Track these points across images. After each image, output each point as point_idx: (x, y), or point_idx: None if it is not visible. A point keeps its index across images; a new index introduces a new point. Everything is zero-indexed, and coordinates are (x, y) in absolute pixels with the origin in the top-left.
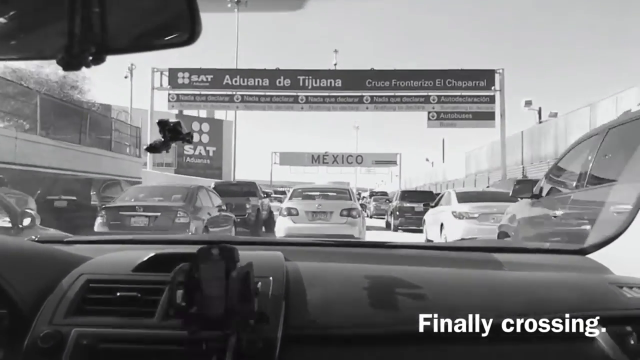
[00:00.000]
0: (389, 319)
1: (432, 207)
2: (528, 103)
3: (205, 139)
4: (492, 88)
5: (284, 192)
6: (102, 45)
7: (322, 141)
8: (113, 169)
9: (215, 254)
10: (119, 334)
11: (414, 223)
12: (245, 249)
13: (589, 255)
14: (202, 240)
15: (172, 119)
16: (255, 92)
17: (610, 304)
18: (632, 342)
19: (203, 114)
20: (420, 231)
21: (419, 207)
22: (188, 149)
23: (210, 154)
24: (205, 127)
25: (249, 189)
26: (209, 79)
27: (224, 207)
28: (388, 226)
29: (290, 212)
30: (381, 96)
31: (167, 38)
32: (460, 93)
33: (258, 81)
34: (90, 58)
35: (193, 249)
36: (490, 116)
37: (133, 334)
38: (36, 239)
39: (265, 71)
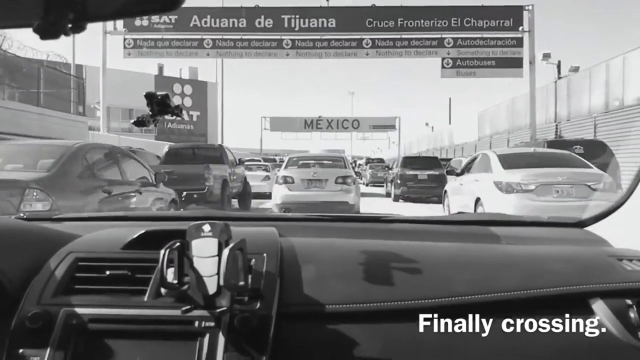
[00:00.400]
0: (385, 295)
1: (458, 174)
2: (546, 56)
3: (188, 102)
4: (520, 29)
5: (273, 160)
6: (80, 12)
7: (315, 107)
8: (41, 129)
9: (207, 230)
10: (109, 313)
11: (417, 192)
12: (238, 225)
13: (587, 228)
14: (195, 217)
15: (151, 90)
16: (230, 35)
17: (609, 277)
18: (632, 315)
19: (185, 74)
20: (424, 201)
21: (422, 175)
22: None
23: (194, 118)
24: (188, 89)
25: (212, 154)
26: (173, 20)
27: (152, 180)
28: (388, 195)
29: (286, 180)
30: (385, 39)
31: (148, 3)
32: (481, 35)
33: (233, 22)
34: (70, 25)
35: (185, 225)
36: (517, 63)
37: (123, 313)
38: (24, 217)
39: (241, 9)
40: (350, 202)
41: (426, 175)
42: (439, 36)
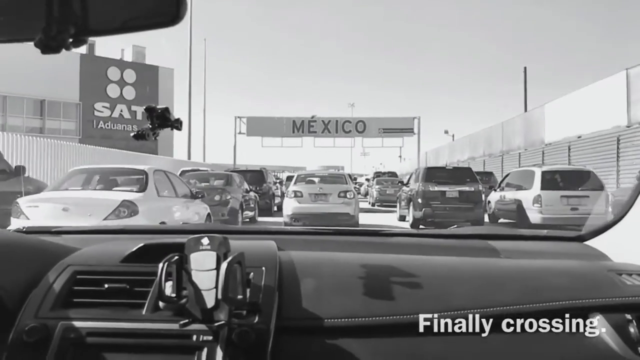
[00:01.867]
0: (384, 309)
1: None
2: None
3: (129, 93)
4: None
5: (260, 173)
6: (81, 26)
7: (307, 109)
8: None
9: (205, 243)
10: (107, 327)
11: (446, 215)
12: (237, 239)
13: (587, 242)
14: (194, 230)
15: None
16: None
17: (609, 292)
18: (632, 330)
19: (128, 55)
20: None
21: (452, 191)
22: (101, 107)
23: (139, 116)
24: (130, 75)
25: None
26: None
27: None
28: (402, 219)
29: (297, 194)
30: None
31: (150, 18)
32: None
33: None
34: (70, 40)
35: (183, 238)
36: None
37: (121, 327)
38: (24, 229)
39: None
40: (351, 213)
41: (457, 192)
42: None
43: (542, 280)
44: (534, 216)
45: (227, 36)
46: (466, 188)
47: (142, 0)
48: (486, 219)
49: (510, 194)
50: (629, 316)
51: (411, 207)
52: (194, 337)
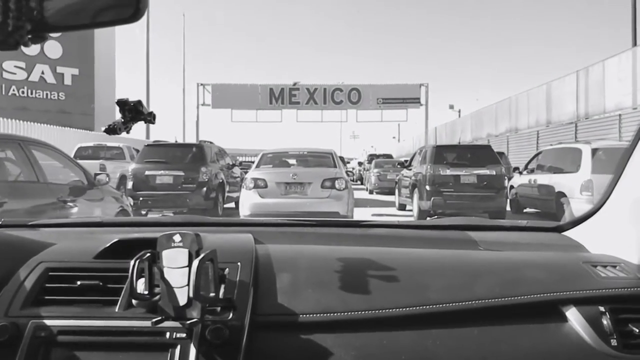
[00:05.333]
0: (360, 304)
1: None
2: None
3: (54, 51)
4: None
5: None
6: (39, 22)
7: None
8: None
9: (178, 240)
10: (79, 325)
11: (461, 205)
12: (215, 231)
13: (565, 233)
14: (171, 222)
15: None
16: None
17: (583, 284)
18: (604, 322)
19: None
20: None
21: (468, 176)
22: (13, 68)
23: (67, 81)
24: None
25: None
26: None
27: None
28: (402, 209)
29: (257, 184)
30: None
31: (110, 14)
32: None
33: None
34: (29, 36)
35: (159, 233)
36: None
37: (93, 324)
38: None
39: None
40: (342, 213)
41: (474, 176)
42: None
43: (518, 272)
44: (582, 207)
45: None
46: (486, 172)
47: None
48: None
49: (544, 178)
50: (602, 308)
51: (415, 196)
52: (167, 335)
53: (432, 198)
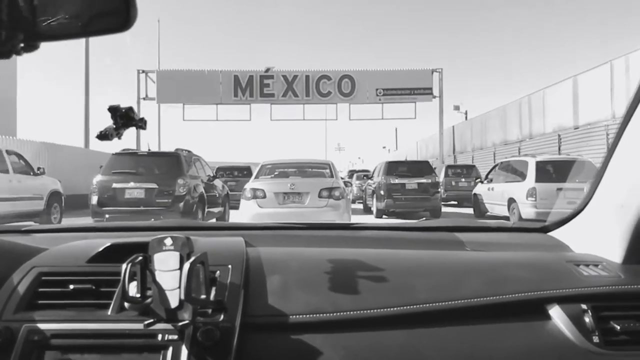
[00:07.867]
0: (349, 304)
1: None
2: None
3: None
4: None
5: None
6: (32, 32)
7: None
8: None
9: (169, 244)
10: (72, 328)
11: (406, 205)
12: (207, 235)
13: (550, 233)
14: (163, 227)
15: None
16: None
17: (566, 282)
18: (587, 320)
19: None
20: (413, 217)
21: (411, 183)
22: None
23: None
24: None
25: None
26: None
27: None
28: (367, 211)
29: (256, 195)
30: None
31: (101, 23)
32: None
33: None
34: (22, 45)
35: (151, 236)
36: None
37: (86, 327)
38: None
39: None
40: (339, 222)
41: (416, 184)
42: None
43: (504, 272)
44: (528, 211)
45: None
46: (424, 180)
47: (92, 6)
48: (472, 212)
49: (499, 187)
50: (584, 306)
51: (374, 199)
52: (159, 337)
53: (385, 200)
